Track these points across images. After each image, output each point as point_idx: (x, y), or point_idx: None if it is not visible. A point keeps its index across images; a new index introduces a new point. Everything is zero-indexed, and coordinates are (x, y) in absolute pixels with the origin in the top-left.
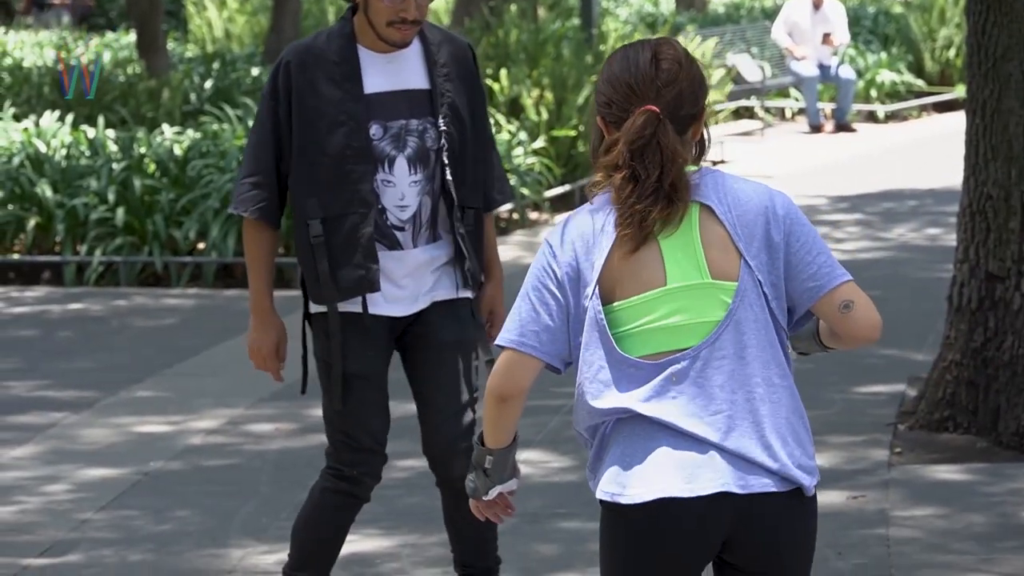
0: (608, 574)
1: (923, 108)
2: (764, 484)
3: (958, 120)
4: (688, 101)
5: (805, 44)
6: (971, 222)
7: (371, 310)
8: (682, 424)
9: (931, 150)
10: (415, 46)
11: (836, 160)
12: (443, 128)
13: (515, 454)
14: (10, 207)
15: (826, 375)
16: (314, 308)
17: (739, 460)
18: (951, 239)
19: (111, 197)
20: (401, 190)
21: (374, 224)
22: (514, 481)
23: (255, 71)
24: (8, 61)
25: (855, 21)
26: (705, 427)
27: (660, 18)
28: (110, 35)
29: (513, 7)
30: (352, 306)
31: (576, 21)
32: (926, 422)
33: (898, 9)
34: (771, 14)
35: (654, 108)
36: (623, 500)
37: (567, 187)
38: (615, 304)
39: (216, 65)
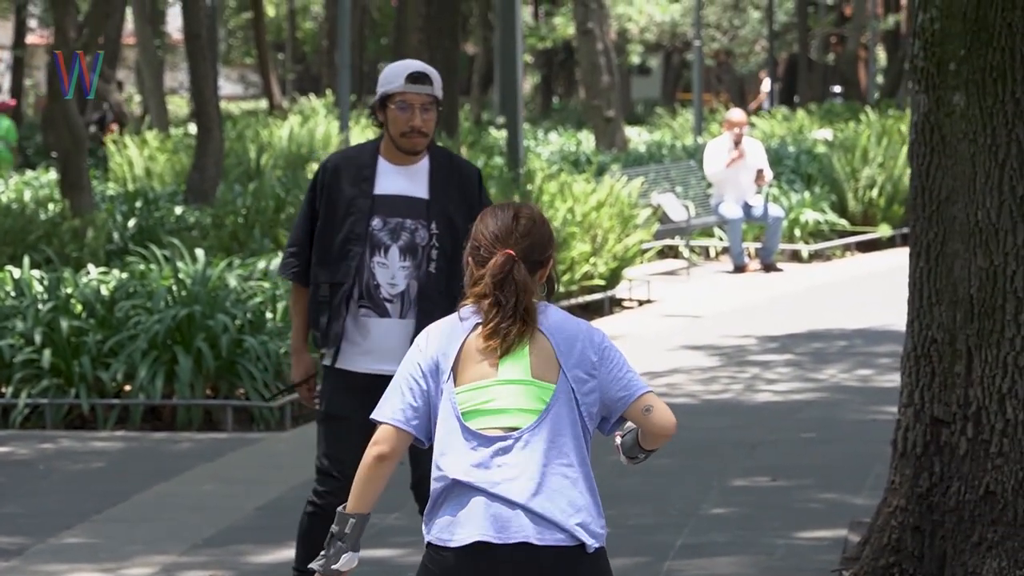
0: None
1: (847, 248)
2: (558, 539)
3: (881, 259)
4: (538, 250)
5: (728, 184)
6: (916, 366)
7: (342, 364)
8: (500, 488)
9: (856, 290)
10: (424, 164)
11: (763, 300)
12: (434, 231)
13: (363, 532)
14: None
15: (766, 520)
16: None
17: (539, 519)
18: (883, 380)
19: (37, 338)
20: (392, 272)
21: (368, 295)
22: (356, 557)
23: (178, 210)
24: None
25: (777, 161)
26: (516, 491)
27: (583, 156)
28: (30, 173)
29: None
30: (328, 360)
31: (499, 160)
32: (871, 569)
33: (821, 149)
34: (692, 153)
35: (511, 252)
36: (450, 544)
37: None
38: (459, 387)
39: (139, 204)
